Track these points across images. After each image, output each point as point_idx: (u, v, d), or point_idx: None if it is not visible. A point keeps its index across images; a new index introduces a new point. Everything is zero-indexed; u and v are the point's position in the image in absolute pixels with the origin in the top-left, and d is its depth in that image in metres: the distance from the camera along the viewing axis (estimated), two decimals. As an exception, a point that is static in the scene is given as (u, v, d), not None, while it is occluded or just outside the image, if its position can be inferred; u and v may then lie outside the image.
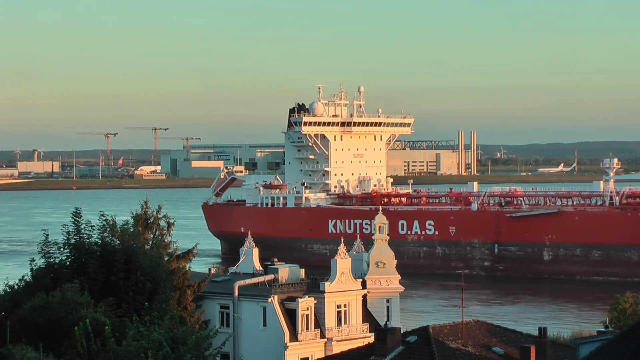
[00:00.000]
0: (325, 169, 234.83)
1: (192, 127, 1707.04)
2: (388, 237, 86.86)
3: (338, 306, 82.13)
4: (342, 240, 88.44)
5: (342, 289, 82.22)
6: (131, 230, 69.76)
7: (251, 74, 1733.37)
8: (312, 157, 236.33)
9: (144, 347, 47.71)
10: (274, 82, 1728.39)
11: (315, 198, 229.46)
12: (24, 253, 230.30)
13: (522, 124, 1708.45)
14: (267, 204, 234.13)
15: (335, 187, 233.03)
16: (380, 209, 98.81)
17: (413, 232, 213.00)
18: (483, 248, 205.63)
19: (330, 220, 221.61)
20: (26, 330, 55.76)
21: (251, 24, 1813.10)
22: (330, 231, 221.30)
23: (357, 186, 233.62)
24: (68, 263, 65.06)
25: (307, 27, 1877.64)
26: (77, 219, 65.70)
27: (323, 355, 77.78)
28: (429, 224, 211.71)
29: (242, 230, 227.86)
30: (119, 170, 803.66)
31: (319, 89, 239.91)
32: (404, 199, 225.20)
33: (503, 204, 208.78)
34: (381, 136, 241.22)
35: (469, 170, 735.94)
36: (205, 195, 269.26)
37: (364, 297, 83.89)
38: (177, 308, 65.60)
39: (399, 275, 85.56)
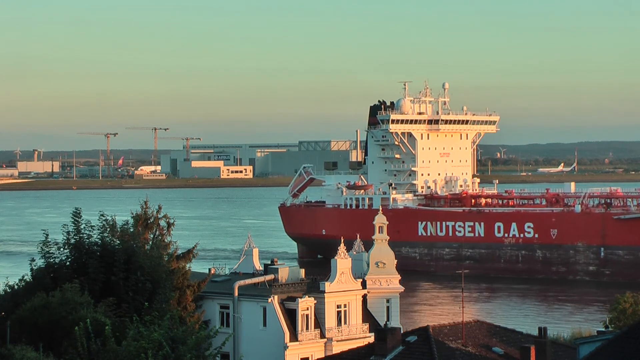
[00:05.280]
0: (412, 168, 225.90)
1: (192, 127, 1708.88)
2: (388, 237, 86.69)
3: (338, 306, 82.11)
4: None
5: (342, 289, 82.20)
6: (131, 230, 69.77)
7: (251, 74, 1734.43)
8: (398, 156, 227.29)
9: (144, 347, 47.77)
10: (275, 81, 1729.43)
11: (402, 199, 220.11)
12: (13, 253, 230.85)
13: (522, 124, 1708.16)
14: (350, 205, 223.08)
15: (422, 187, 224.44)
16: (381, 209, 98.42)
17: (510, 235, 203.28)
18: (588, 252, 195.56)
19: (419, 223, 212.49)
20: (26, 330, 55.77)
21: (250, 23, 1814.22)
22: (419, 234, 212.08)
23: (444, 186, 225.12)
24: (68, 263, 65.07)
25: (306, 24, 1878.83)
26: (77, 219, 65.71)
27: (323, 355, 77.79)
28: (528, 227, 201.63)
29: (324, 233, 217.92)
30: (119, 170, 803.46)
31: (405, 85, 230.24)
32: (494, 200, 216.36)
33: (604, 204, 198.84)
34: (467, 134, 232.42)
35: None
36: (206, 195, 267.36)
37: (364, 297, 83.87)
38: (177, 308, 65.61)
39: (398, 275, 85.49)
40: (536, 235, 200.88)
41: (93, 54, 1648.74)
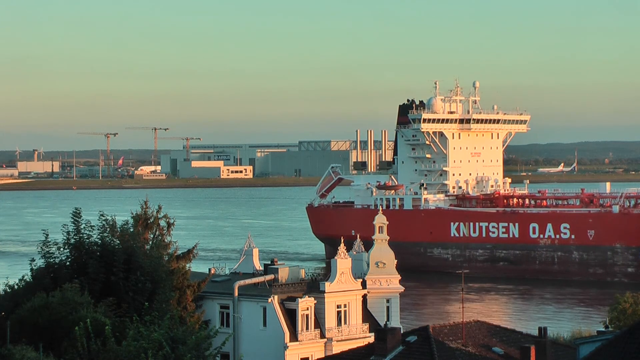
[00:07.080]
0: (444, 168, 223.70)
1: (192, 127, 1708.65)
2: (388, 237, 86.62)
3: (338, 306, 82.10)
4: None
5: (342, 289, 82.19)
6: (131, 230, 69.76)
7: (251, 74, 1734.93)
8: (428, 156, 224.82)
9: (144, 347, 47.78)
10: (275, 81, 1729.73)
11: (434, 199, 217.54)
12: (13, 253, 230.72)
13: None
14: (381, 206, 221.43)
15: (454, 187, 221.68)
16: (380, 209, 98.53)
17: (546, 236, 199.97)
18: (626, 253, 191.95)
19: (452, 223, 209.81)
20: (26, 330, 55.79)
21: (251, 23, 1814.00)
22: (452, 235, 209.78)
23: (475, 187, 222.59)
24: (68, 263, 65.10)
25: (306, 24, 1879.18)
26: (77, 219, 65.71)
27: (323, 355, 77.77)
28: (564, 227, 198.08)
29: (353, 234, 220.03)
30: (119, 170, 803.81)
31: (435, 84, 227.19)
32: (527, 200, 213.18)
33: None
34: (498, 134, 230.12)
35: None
36: (206, 195, 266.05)
37: (364, 297, 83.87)
38: (177, 308, 65.63)
39: (398, 275, 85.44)
40: (573, 236, 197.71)
41: (93, 54, 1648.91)
